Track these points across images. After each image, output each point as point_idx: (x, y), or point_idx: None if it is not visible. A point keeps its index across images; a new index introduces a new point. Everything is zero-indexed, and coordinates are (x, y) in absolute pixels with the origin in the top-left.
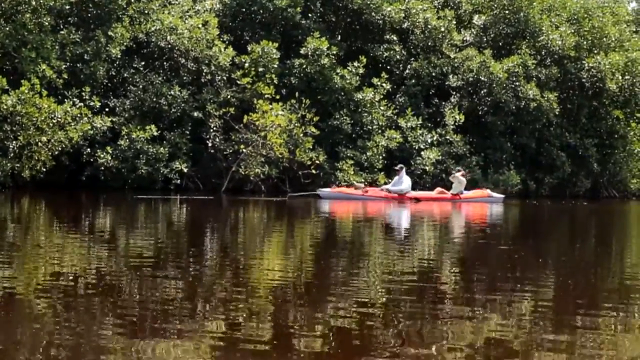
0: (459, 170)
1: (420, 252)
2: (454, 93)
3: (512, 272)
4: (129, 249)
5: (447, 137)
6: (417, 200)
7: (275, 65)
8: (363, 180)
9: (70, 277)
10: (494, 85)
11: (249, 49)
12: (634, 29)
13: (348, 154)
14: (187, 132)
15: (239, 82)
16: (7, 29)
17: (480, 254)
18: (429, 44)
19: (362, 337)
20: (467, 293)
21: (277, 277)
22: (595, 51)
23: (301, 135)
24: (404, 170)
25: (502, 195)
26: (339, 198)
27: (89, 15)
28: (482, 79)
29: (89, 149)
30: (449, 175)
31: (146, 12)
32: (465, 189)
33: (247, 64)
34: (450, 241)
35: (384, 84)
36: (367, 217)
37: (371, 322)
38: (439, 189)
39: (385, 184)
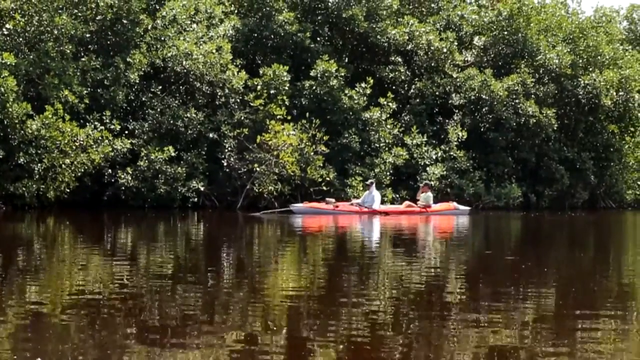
0: (425, 185)
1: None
2: (457, 111)
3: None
4: (150, 264)
5: (451, 153)
6: (386, 214)
7: (286, 87)
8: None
9: (94, 292)
10: (495, 103)
11: (261, 72)
12: (627, 47)
13: (357, 171)
14: (203, 153)
15: (251, 104)
16: (31, 57)
17: (445, 261)
18: (432, 64)
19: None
20: (435, 296)
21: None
22: (591, 69)
23: (312, 153)
24: (374, 185)
25: (468, 208)
26: (311, 213)
27: (109, 42)
28: (484, 97)
29: (110, 170)
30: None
31: (163, 38)
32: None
33: (259, 87)
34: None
35: (390, 104)
36: (338, 231)
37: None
38: (407, 202)
39: (393, 198)
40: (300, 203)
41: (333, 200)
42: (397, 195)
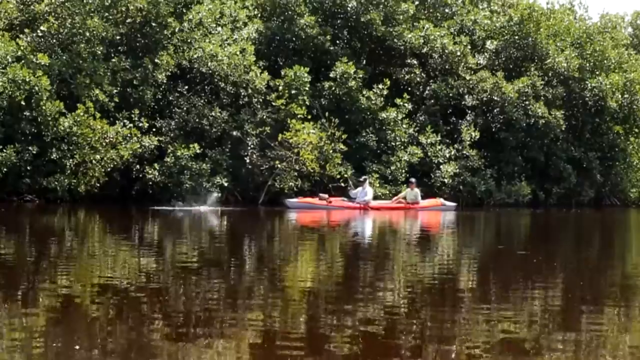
0: (413, 182)
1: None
2: (470, 112)
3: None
4: (175, 256)
5: (464, 152)
6: (379, 209)
7: (307, 88)
8: (388, 192)
9: (122, 282)
10: (506, 104)
11: (283, 73)
12: (632, 52)
13: (374, 168)
14: (227, 150)
15: (273, 103)
16: (64, 57)
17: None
18: (446, 67)
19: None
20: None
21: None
22: (597, 72)
23: (331, 151)
24: (367, 181)
25: (455, 204)
26: (305, 208)
27: (138, 44)
28: (495, 98)
29: (138, 166)
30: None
31: (189, 41)
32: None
33: (281, 87)
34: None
35: (405, 104)
36: (330, 226)
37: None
38: (395, 198)
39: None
40: (295, 198)
41: (326, 195)
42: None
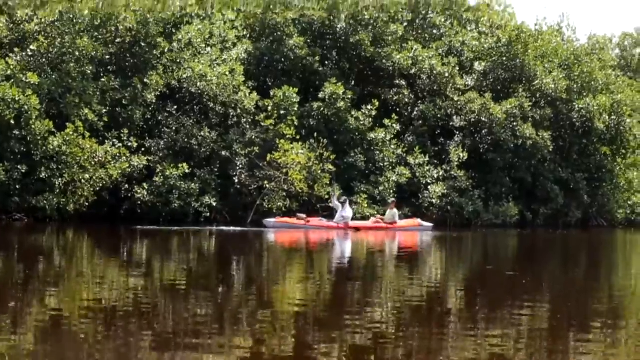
0: (393, 202)
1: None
2: (458, 132)
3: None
4: (163, 274)
5: (452, 173)
6: (357, 229)
7: (296, 108)
8: (375, 212)
9: (110, 300)
10: (494, 125)
11: (272, 93)
12: (619, 73)
13: (362, 189)
14: (216, 170)
15: (262, 123)
16: (54, 77)
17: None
18: (435, 88)
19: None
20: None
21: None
22: (585, 94)
23: (319, 171)
24: (347, 202)
25: (431, 224)
26: (284, 227)
27: (127, 64)
28: (483, 119)
29: (127, 185)
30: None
31: (178, 61)
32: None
33: (270, 107)
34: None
35: (394, 125)
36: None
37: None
38: (373, 218)
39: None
40: (273, 218)
41: (304, 215)
42: (401, 212)
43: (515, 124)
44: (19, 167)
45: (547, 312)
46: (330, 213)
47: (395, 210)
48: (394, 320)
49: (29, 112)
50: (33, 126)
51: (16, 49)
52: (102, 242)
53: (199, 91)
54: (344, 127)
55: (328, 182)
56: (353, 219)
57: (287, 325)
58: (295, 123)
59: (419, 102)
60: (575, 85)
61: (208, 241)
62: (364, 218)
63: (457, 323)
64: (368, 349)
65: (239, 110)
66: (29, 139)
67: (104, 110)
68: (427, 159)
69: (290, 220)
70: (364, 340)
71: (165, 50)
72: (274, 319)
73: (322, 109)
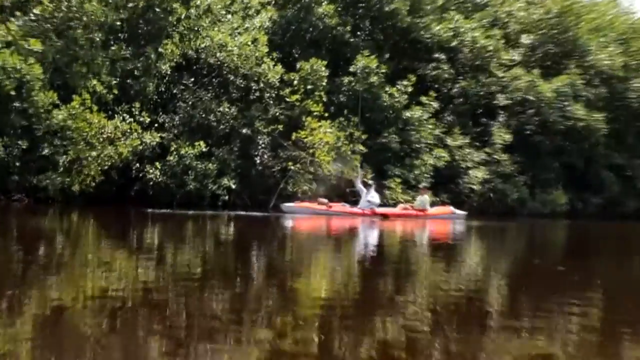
0: (424, 187)
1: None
2: (502, 112)
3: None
4: (176, 263)
5: (495, 156)
6: (385, 216)
7: (324, 83)
8: (410, 198)
9: (117, 290)
10: (542, 105)
11: (298, 66)
12: None
13: (396, 172)
14: (236, 149)
15: (287, 99)
16: (59, 44)
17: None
18: (477, 63)
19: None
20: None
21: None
22: None
23: (349, 152)
24: (374, 186)
25: (465, 213)
26: (303, 213)
27: (140, 31)
28: (530, 98)
29: (137, 164)
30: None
31: (196, 29)
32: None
33: (295, 82)
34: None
35: (431, 103)
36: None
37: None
38: (402, 205)
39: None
40: (292, 202)
41: (326, 200)
42: (437, 199)
43: (565, 103)
44: (19, 142)
45: (601, 313)
46: (357, 199)
47: (426, 197)
48: (429, 318)
49: (31, 83)
50: (35, 98)
51: (17, 13)
52: (109, 226)
53: (218, 62)
54: (377, 105)
55: (358, 164)
56: (380, 205)
57: (310, 321)
58: (324, 99)
59: (460, 78)
60: (633, 62)
61: (226, 227)
62: (396, 205)
63: (499, 323)
64: (401, 349)
65: (261, 84)
66: (30, 112)
67: (114, 82)
68: (467, 140)
69: (311, 205)
70: (396, 339)
71: (182, 17)
72: (297, 314)
73: (353, 84)
